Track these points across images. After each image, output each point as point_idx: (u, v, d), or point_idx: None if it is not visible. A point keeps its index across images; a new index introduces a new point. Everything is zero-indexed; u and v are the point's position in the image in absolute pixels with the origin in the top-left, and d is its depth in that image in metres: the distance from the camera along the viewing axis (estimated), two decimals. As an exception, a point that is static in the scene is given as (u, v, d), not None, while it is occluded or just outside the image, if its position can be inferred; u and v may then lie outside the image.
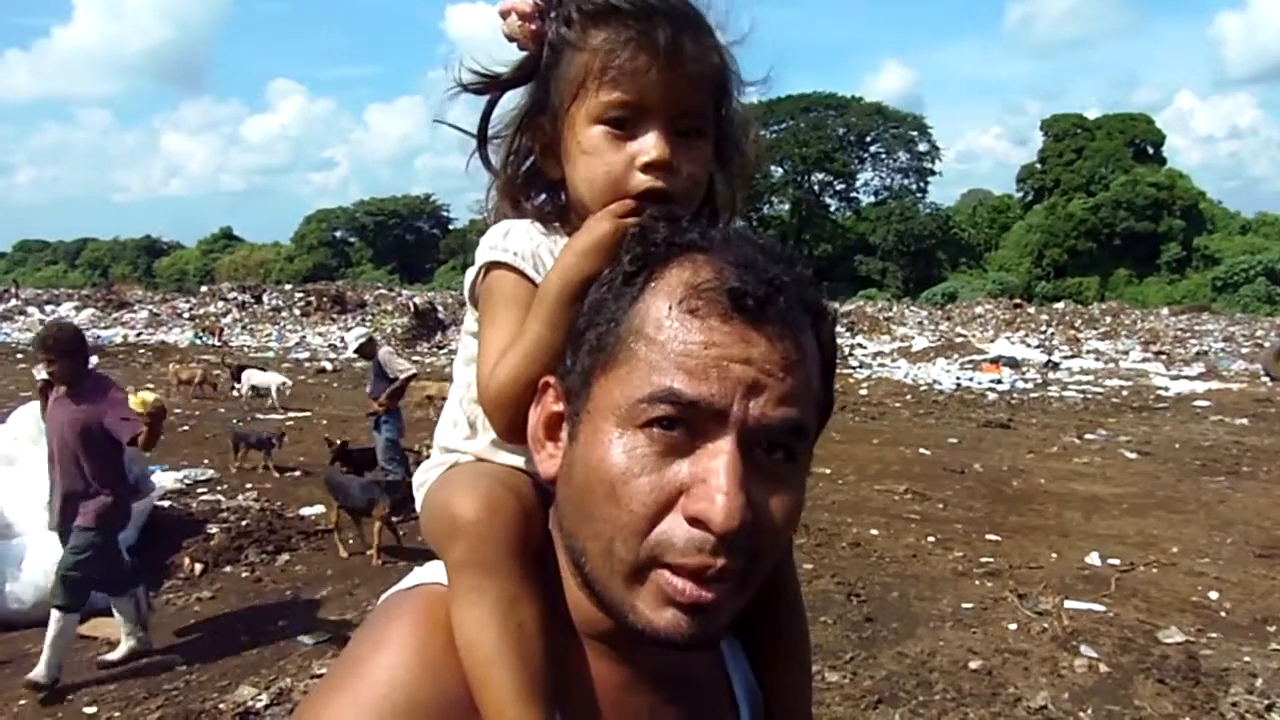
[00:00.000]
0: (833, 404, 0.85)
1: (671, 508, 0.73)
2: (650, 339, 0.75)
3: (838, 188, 68.76)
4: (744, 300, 0.74)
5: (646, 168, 0.89)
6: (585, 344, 0.80)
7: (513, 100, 1.00)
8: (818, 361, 0.80)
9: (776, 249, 0.82)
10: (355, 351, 10.66)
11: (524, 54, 0.97)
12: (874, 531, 8.59)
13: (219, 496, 9.63)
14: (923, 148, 66.56)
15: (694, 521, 0.72)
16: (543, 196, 1.00)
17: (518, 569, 0.85)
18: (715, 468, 0.72)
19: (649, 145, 0.90)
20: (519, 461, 0.93)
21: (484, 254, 0.95)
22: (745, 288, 0.74)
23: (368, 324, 30.66)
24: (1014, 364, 23.91)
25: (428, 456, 1.03)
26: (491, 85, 1.00)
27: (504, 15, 0.96)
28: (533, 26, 0.95)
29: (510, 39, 0.97)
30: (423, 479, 1.00)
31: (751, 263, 0.77)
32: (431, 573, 0.90)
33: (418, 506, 1.00)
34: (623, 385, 0.76)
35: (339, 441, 10.26)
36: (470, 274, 0.98)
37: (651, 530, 0.73)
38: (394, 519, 7.94)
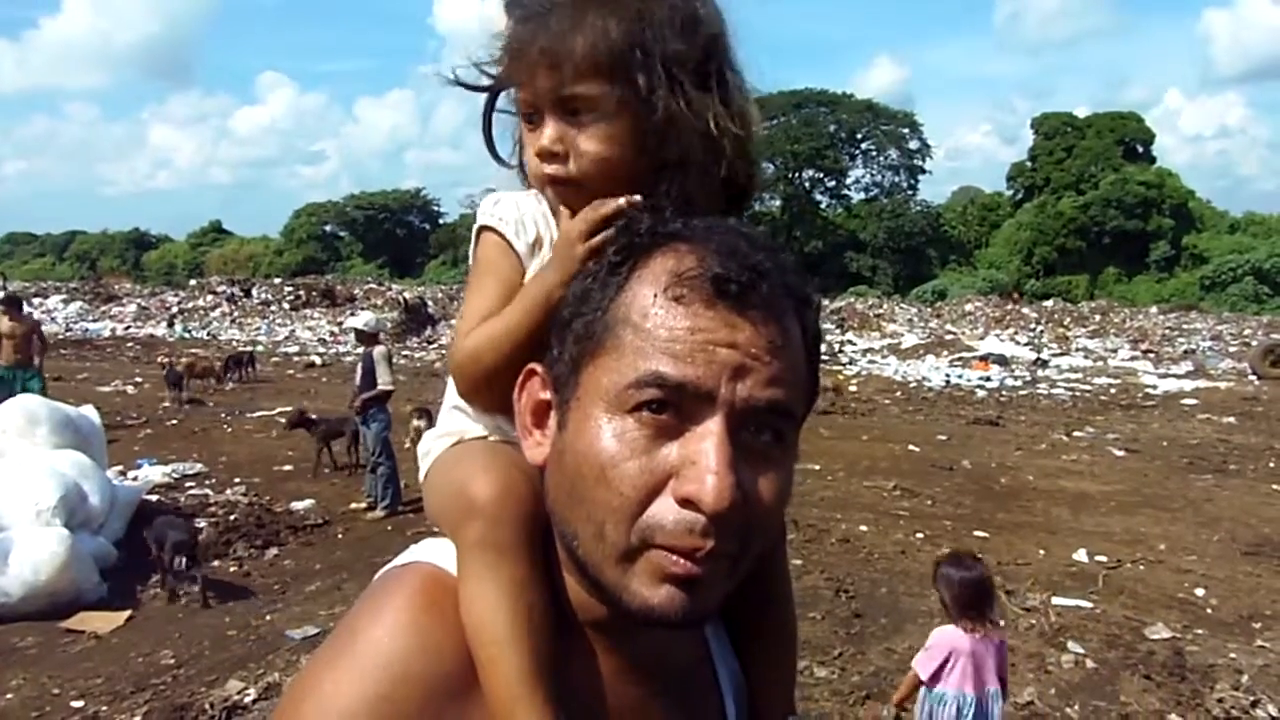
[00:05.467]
0: (819, 389, 0.86)
1: (661, 490, 0.74)
2: (636, 326, 0.76)
3: (828, 184, 68.67)
4: (727, 286, 0.75)
5: (540, 156, 0.93)
6: (572, 333, 0.81)
7: None
8: (803, 347, 0.81)
9: (760, 237, 0.82)
10: (354, 330, 10.56)
11: None
12: (863, 528, 8.61)
13: (207, 491, 9.60)
14: (913, 145, 66.60)
15: (685, 503, 0.73)
16: None
17: (530, 551, 0.86)
18: (705, 449, 0.73)
19: (539, 134, 0.93)
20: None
21: (479, 219, 0.99)
22: (728, 274, 0.75)
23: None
24: (1003, 361, 23.98)
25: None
26: (482, 87, 1.01)
27: None
28: None
29: None
30: (427, 448, 1.01)
31: (734, 250, 0.78)
32: (426, 550, 0.92)
33: (421, 475, 1.01)
34: (610, 372, 0.76)
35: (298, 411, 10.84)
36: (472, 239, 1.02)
37: (642, 513, 0.74)
38: None
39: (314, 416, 10.95)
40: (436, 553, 0.91)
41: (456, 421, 1.00)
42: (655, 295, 0.77)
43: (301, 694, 0.80)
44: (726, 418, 0.74)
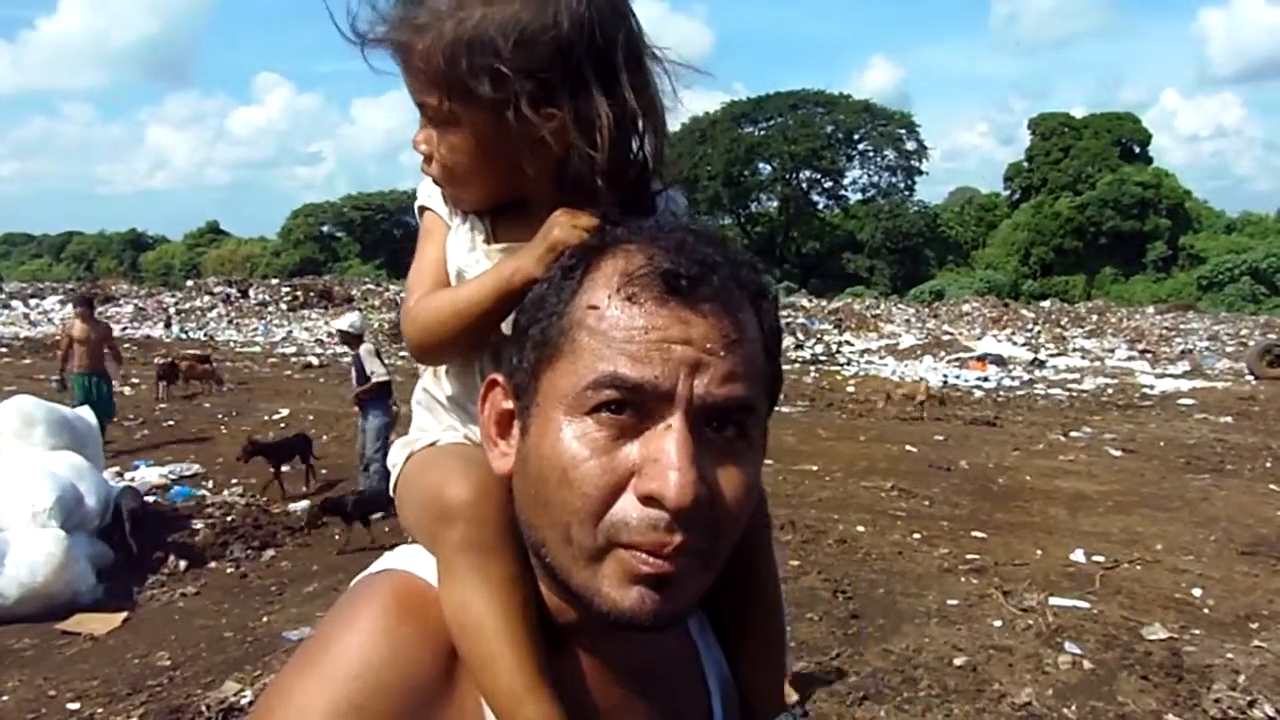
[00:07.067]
0: (782, 382, 0.86)
1: (624, 489, 0.74)
2: (592, 329, 0.77)
3: (826, 185, 68.74)
4: (677, 281, 0.76)
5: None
6: (530, 340, 0.81)
7: None
8: (760, 339, 0.81)
9: (709, 232, 0.83)
10: (338, 332, 10.53)
11: None
12: (860, 528, 8.60)
13: (204, 492, 9.58)
14: (910, 146, 66.60)
15: (648, 500, 0.73)
16: None
17: (514, 549, 0.86)
18: (666, 446, 0.73)
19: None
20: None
21: (417, 201, 1.07)
22: (677, 268, 0.76)
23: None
24: (1000, 362, 24.00)
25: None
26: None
27: None
28: None
29: None
30: (395, 459, 1.02)
31: (681, 245, 0.79)
32: (400, 558, 0.92)
33: (391, 487, 1.02)
34: (568, 376, 0.77)
35: (253, 440, 10.24)
36: None
37: (606, 512, 0.74)
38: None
39: (267, 442, 10.42)
40: (411, 560, 0.91)
41: (419, 423, 1.02)
42: (608, 296, 0.77)
43: (274, 702, 0.79)
44: (686, 414, 0.74)
